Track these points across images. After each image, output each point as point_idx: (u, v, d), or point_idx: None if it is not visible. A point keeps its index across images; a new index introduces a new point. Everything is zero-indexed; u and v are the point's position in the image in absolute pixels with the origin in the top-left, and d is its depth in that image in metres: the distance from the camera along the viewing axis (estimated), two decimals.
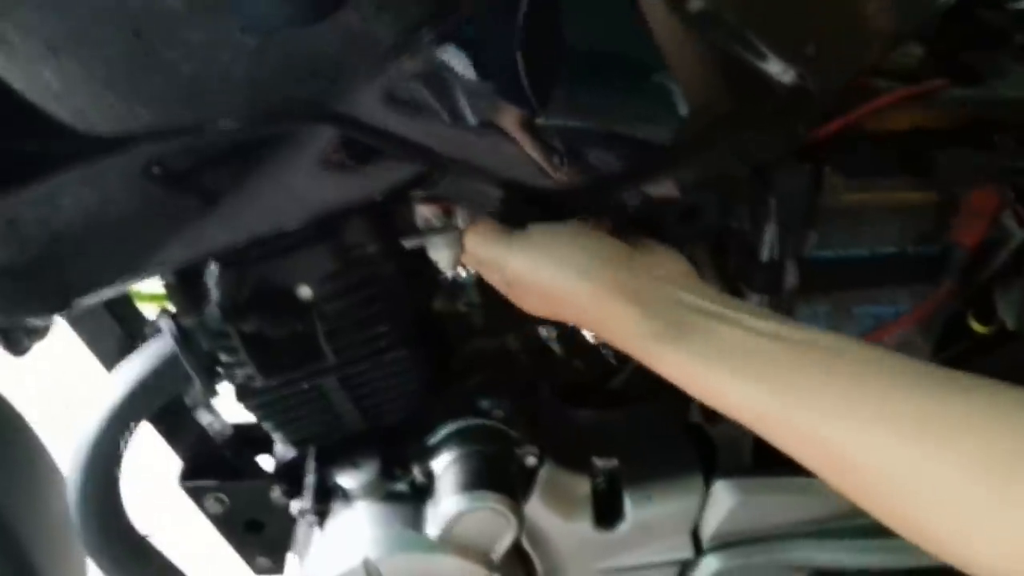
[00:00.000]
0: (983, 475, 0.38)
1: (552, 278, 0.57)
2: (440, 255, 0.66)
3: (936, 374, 0.42)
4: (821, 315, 0.68)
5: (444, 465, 0.73)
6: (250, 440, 0.90)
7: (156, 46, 0.44)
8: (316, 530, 0.75)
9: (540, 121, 0.52)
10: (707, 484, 0.77)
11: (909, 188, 0.63)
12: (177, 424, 0.85)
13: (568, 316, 0.59)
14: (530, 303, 0.61)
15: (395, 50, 0.47)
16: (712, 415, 0.76)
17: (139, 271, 0.57)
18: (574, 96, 0.52)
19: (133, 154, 0.48)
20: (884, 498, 0.42)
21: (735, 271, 0.68)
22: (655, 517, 0.76)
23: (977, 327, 0.73)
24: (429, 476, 0.74)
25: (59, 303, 0.57)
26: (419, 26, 0.47)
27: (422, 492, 0.74)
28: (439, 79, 0.49)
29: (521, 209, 0.60)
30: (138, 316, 0.83)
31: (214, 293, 0.62)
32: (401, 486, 0.74)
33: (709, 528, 0.77)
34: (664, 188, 0.59)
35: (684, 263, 0.58)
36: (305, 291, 0.64)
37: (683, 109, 0.53)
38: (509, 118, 0.52)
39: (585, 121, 0.54)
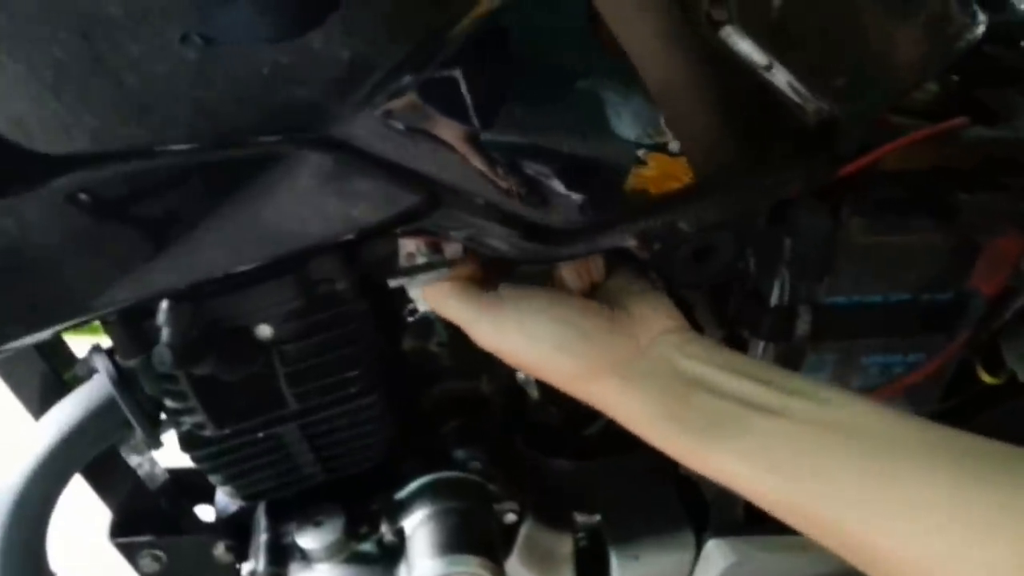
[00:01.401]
0: None
1: (521, 351, 0.53)
2: (420, 292, 0.60)
3: (974, 451, 0.39)
4: (829, 363, 0.65)
5: (417, 523, 0.67)
6: (188, 488, 0.82)
7: (102, 52, 0.39)
8: None
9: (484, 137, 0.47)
10: (698, 542, 0.72)
11: (930, 231, 0.60)
12: (107, 471, 0.76)
13: (549, 382, 0.55)
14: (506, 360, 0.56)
15: (374, 89, 0.43)
16: None
17: (77, 314, 0.50)
18: (524, 115, 0.48)
19: (62, 181, 0.43)
20: None
21: (738, 316, 0.64)
22: None
23: (986, 377, 0.70)
24: (400, 535, 0.67)
25: None
26: (399, 67, 0.43)
27: (392, 553, 0.67)
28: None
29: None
30: (68, 354, 0.74)
31: (162, 331, 0.54)
32: (368, 546, 0.68)
33: None
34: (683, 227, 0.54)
35: (674, 314, 0.53)
36: (265, 330, 0.58)
37: (655, 136, 0.49)
38: (464, 140, 0.47)
39: (532, 139, 0.49)
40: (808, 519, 0.42)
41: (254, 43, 0.40)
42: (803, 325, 0.61)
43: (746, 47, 0.48)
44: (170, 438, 0.65)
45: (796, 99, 0.50)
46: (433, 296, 0.57)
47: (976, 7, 0.57)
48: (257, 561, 0.68)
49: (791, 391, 0.45)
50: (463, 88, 0.44)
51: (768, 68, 0.49)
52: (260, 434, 0.63)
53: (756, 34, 0.47)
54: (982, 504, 0.37)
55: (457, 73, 0.44)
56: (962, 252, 0.61)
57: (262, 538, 0.69)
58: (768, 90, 0.50)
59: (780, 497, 0.43)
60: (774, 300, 0.60)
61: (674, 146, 0.50)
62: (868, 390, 0.66)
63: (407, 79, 0.43)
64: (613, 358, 0.50)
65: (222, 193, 0.46)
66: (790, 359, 0.63)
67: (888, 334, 0.65)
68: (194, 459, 0.64)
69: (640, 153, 0.49)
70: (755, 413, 0.45)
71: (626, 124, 0.48)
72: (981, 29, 0.55)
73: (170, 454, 0.70)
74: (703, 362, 0.49)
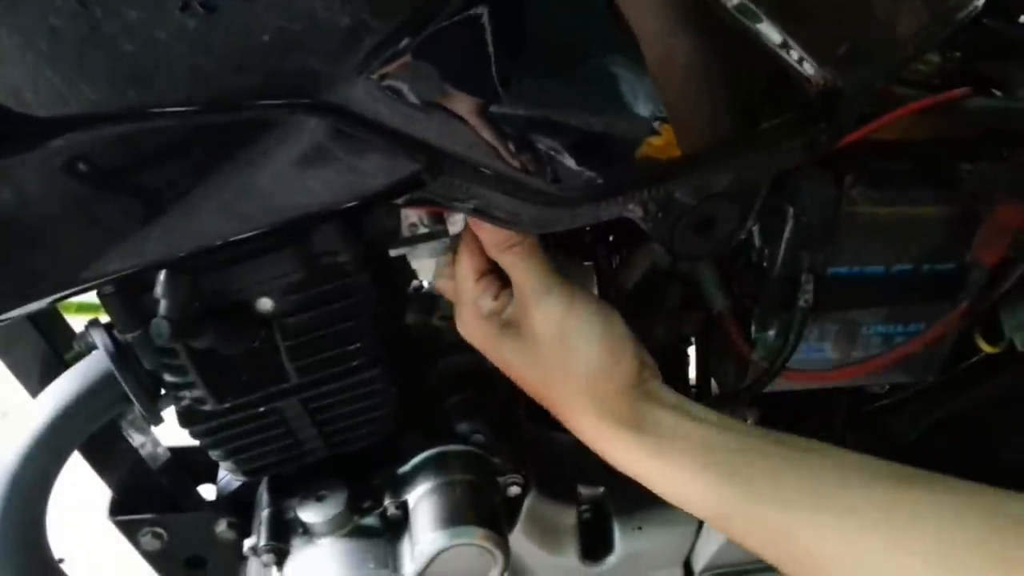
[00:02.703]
0: (942, 564, 0.39)
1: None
2: (423, 263, 0.60)
3: (898, 471, 0.44)
4: (830, 333, 0.65)
5: (420, 496, 0.66)
6: (189, 466, 0.81)
7: (100, 19, 0.38)
8: (273, 571, 0.67)
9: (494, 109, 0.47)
10: None
11: (932, 201, 0.60)
12: (106, 449, 0.76)
13: None
14: None
15: (373, 52, 0.42)
16: None
17: (73, 284, 0.49)
18: (532, 86, 0.47)
19: (57, 145, 0.42)
20: None
21: (741, 286, 0.64)
22: (646, 549, 0.72)
23: (985, 346, 0.71)
24: (403, 509, 0.67)
25: None
26: (398, 30, 0.42)
27: (396, 527, 0.67)
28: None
29: None
30: (66, 329, 0.73)
31: (160, 304, 0.54)
32: (371, 520, 0.67)
33: (702, 559, 0.74)
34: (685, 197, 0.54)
35: (644, 356, 0.56)
36: (266, 303, 0.57)
37: (655, 110, 0.49)
38: (463, 104, 0.46)
39: (541, 111, 0.48)
40: (752, 526, 0.46)
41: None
42: (805, 295, 0.61)
43: (748, 14, 0.47)
44: (170, 415, 0.65)
45: (798, 68, 0.50)
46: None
47: None
48: (259, 536, 0.67)
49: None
50: (461, 52, 0.44)
51: (770, 37, 0.48)
52: (261, 409, 0.62)
53: (758, 0, 0.47)
54: (913, 502, 0.41)
55: (456, 35, 0.43)
56: (963, 222, 0.62)
57: (264, 513, 0.68)
58: (770, 59, 0.49)
59: (727, 504, 0.46)
60: (777, 270, 0.60)
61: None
62: (869, 359, 0.66)
63: (406, 41, 0.42)
64: None
65: (219, 159, 0.45)
66: (792, 329, 0.63)
67: (890, 304, 0.65)
68: (194, 434, 0.63)
69: (656, 124, 0.49)
70: (708, 429, 0.49)
71: (643, 98, 0.48)
72: (981, 1, 0.55)
73: (172, 432, 0.69)
74: (663, 391, 0.54)
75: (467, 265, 0.59)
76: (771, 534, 0.45)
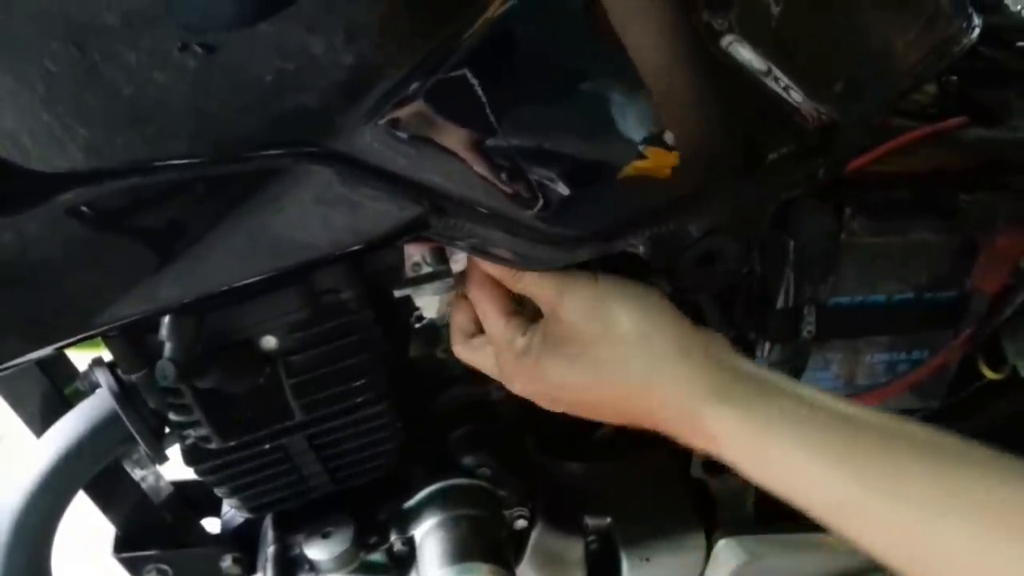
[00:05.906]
0: None
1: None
2: (427, 301, 0.60)
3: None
4: (834, 362, 0.65)
5: (426, 531, 0.66)
6: (193, 500, 0.81)
7: (97, 62, 0.38)
8: None
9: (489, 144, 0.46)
10: (709, 542, 0.72)
11: (931, 231, 0.60)
12: (110, 486, 0.75)
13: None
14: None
15: (382, 99, 0.42)
16: (714, 468, 0.71)
17: (81, 330, 0.49)
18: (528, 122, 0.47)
19: (65, 200, 0.42)
20: None
21: (744, 317, 0.64)
22: None
23: (988, 372, 0.71)
24: (410, 544, 0.67)
25: None
26: (408, 75, 0.42)
27: (402, 563, 0.67)
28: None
29: None
30: (67, 365, 0.73)
31: (165, 346, 0.54)
32: (377, 556, 0.67)
33: None
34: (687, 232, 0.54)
35: (724, 339, 0.53)
36: (270, 341, 0.57)
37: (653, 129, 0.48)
38: (456, 141, 0.46)
39: (538, 141, 0.48)
40: (871, 521, 0.41)
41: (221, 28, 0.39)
42: (808, 325, 0.61)
43: (746, 55, 0.47)
44: (174, 451, 0.65)
45: (796, 104, 0.50)
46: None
47: (971, 10, 0.57)
48: (265, 573, 0.67)
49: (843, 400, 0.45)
50: (469, 95, 0.43)
51: (768, 75, 0.48)
52: (266, 446, 0.62)
53: (756, 42, 0.47)
54: None
55: (463, 80, 0.43)
56: (963, 251, 0.62)
57: (270, 550, 0.68)
58: (768, 96, 0.49)
59: (838, 494, 0.41)
60: (780, 302, 0.61)
61: (669, 137, 0.50)
62: (875, 388, 0.66)
63: (414, 88, 0.42)
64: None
65: (226, 207, 0.45)
66: (796, 359, 0.63)
67: (892, 332, 0.65)
68: (199, 473, 0.63)
69: (641, 148, 0.49)
70: (815, 409, 0.44)
71: (631, 123, 0.48)
72: (976, 33, 0.55)
73: (175, 466, 0.69)
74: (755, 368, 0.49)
75: (493, 314, 0.57)
76: (893, 532, 0.40)
